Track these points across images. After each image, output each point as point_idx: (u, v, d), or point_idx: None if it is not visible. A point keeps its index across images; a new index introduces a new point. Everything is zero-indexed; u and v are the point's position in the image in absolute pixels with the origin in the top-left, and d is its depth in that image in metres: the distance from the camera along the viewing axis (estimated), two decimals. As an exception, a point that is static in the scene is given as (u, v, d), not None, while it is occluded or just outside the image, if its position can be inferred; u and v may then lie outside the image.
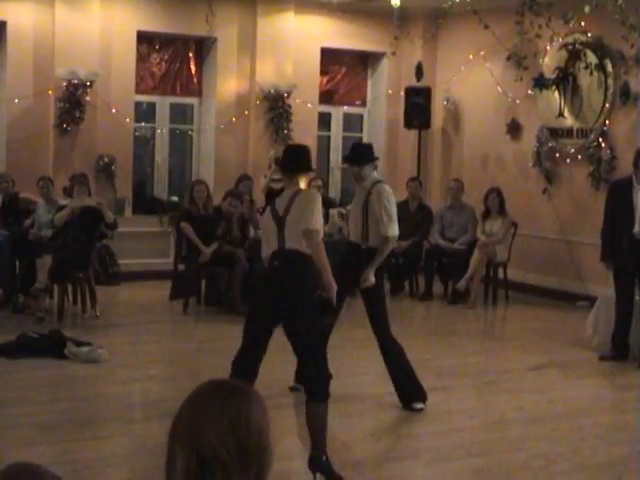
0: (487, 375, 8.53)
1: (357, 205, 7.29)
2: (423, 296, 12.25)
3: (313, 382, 5.80)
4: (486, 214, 12.19)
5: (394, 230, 7.10)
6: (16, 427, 6.54)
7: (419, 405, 7.19)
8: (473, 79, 13.78)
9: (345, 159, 7.54)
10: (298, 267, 5.86)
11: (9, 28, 12.13)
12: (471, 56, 13.64)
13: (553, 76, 12.28)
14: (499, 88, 13.27)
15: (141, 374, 8.13)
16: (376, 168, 7.49)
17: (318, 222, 5.90)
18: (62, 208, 10.36)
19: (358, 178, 7.26)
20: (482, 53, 13.43)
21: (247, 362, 5.92)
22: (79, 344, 8.52)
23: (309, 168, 6.20)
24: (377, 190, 7.11)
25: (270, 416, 2.07)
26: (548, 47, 12.44)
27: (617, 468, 6.16)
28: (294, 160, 6.13)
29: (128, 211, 12.96)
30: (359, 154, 7.29)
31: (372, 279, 6.99)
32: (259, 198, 11.95)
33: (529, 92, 12.72)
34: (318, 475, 5.64)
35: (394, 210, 7.16)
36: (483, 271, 12.01)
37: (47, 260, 10.00)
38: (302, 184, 6.13)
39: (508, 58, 12.82)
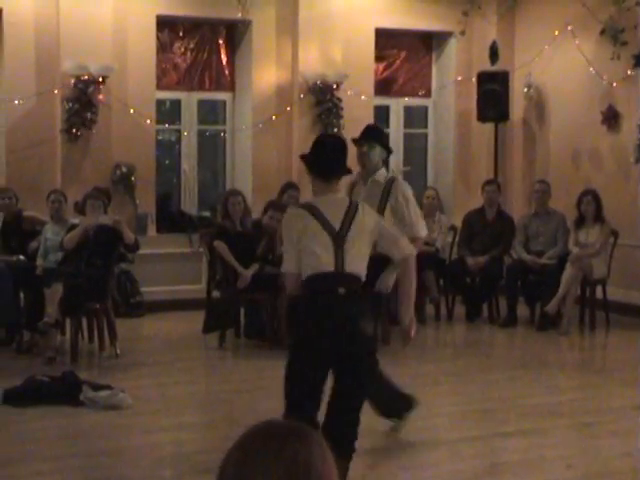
0: (587, 415, 8.43)
1: (367, 202, 7.14)
2: (505, 322, 12.17)
3: (344, 439, 5.82)
4: (580, 221, 12.10)
5: (425, 229, 7.34)
6: (24, 488, 6.58)
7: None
8: (559, 60, 13.71)
9: (353, 140, 7.49)
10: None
11: (5, 17, 12.22)
12: (557, 32, 13.57)
13: (657, 52, 12.21)
14: (592, 69, 13.17)
15: (171, 422, 8.14)
16: (387, 163, 7.54)
17: None
18: (73, 228, 10.43)
19: (365, 161, 7.36)
20: (570, 28, 13.35)
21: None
22: (97, 388, 8.55)
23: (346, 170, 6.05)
24: (399, 186, 7.21)
25: (333, 463, 2.06)
26: (650, 18, 12.38)
27: None
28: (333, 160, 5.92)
29: (151, 229, 13.04)
30: (369, 133, 7.45)
31: (390, 285, 7.02)
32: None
33: (628, 72, 12.63)
34: None
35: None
36: (577, 290, 11.92)
37: (57, 290, 10.03)
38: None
39: (602, 32, 12.76)
